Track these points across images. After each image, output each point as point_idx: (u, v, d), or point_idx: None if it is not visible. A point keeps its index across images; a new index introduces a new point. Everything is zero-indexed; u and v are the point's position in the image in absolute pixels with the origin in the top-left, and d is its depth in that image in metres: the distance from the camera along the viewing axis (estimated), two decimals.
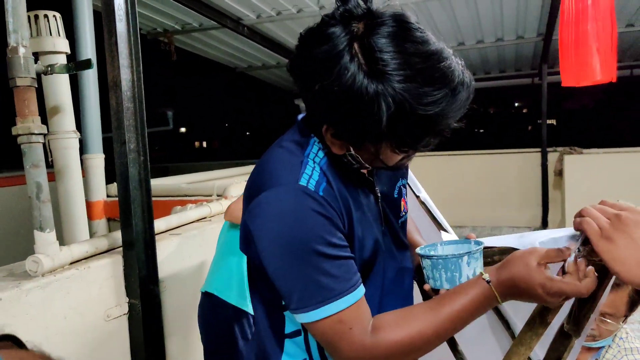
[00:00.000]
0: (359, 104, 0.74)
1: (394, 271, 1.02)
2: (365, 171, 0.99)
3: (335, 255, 0.83)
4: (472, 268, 0.98)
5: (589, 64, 2.28)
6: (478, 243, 1.05)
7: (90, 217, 3.18)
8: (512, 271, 0.85)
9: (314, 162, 0.89)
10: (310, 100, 0.84)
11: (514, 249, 1.21)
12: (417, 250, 1.06)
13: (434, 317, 0.85)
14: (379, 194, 1.02)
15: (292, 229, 0.81)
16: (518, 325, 1.61)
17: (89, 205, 3.18)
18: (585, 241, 0.91)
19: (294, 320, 0.91)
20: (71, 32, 3.15)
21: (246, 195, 0.91)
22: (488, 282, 0.86)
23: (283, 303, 0.92)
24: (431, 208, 1.77)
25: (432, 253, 1.07)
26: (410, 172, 1.81)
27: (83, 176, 2.96)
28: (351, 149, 0.87)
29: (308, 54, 0.78)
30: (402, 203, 1.11)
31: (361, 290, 0.85)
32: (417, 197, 1.78)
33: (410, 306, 0.95)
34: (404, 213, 1.11)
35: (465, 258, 0.97)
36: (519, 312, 1.60)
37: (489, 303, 0.87)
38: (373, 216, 0.98)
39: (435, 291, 1.02)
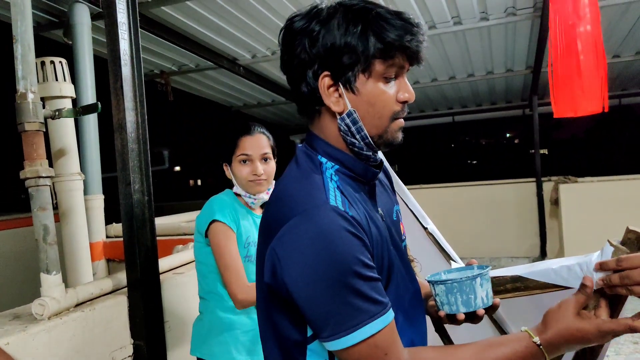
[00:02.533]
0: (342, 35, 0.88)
1: (410, 294, 1.00)
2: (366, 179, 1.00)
3: (369, 276, 0.82)
4: (485, 289, 0.99)
5: (581, 95, 2.35)
6: (482, 267, 1.07)
7: (90, 258, 3.17)
8: (559, 328, 0.87)
9: (331, 179, 0.90)
10: (304, 68, 0.91)
11: (524, 278, 1.23)
12: (427, 277, 1.07)
13: (476, 355, 0.85)
14: (382, 213, 1.03)
15: (329, 252, 0.80)
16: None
17: (89, 246, 3.18)
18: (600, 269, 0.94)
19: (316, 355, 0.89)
20: (72, 77, 3.22)
21: (267, 226, 0.89)
22: (539, 345, 0.86)
23: (308, 334, 0.89)
24: (439, 239, 1.78)
25: (444, 278, 1.08)
26: (417, 204, 1.84)
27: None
28: (349, 106, 0.90)
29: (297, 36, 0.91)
30: (401, 227, 1.12)
31: (392, 312, 0.84)
32: (425, 228, 1.80)
33: (452, 345, 0.93)
34: (404, 237, 1.12)
35: (479, 280, 0.98)
36: (517, 322, 1.60)
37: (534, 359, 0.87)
38: (384, 236, 0.96)
39: (451, 317, 1.02)
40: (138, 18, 1.88)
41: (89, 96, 3.32)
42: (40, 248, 1.53)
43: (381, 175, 1.13)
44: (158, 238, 3.24)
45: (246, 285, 1.54)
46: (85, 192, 3.21)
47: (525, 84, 6.92)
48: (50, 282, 1.53)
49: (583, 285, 0.91)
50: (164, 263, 2.17)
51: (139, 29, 1.90)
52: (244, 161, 1.67)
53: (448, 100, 7.89)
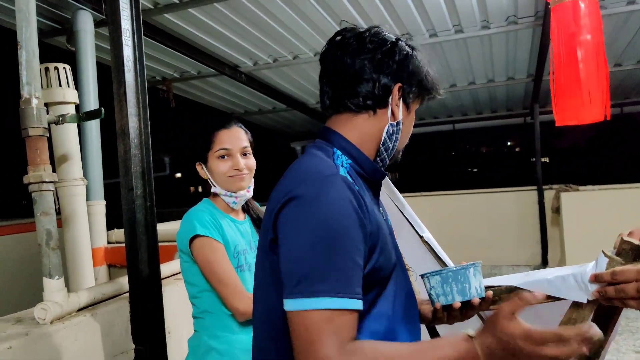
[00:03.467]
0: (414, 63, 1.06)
1: (405, 291, 1.03)
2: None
3: (354, 259, 0.84)
4: (478, 280, 1.04)
5: (582, 104, 2.35)
6: (472, 264, 1.10)
7: (92, 263, 3.17)
8: (494, 332, 0.83)
9: (342, 165, 0.97)
10: (385, 73, 1.03)
11: (520, 288, 1.22)
12: (420, 273, 1.10)
13: (413, 355, 0.82)
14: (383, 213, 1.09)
15: (328, 214, 0.84)
16: None
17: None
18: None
19: None
20: (75, 83, 3.24)
21: (277, 193, 0.93)
22: (472, 337, 0.84)
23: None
24: (435, 247, 1.78)
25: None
26: (412, 212, 1.84)
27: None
28: (400, 118, 1.05)
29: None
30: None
31: (361, 305, 0.84)
32: (421, 237, 1.80)
33: (394, 342, 0.93)
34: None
35: (472, 269, 1.04)
36: None
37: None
38: (387, 232, 1.01)
39: (447, 309, 1.06)
40: (142, 25, 1.89)
41: (92, 102, 3.34)
42: (43, 252, 1.54)
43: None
44: (159, 244, 3.25)
45: (246, 297, 1.46)
46: (87, 198, 3.21)
47: (527, 92, 6.94)
48: (53, 286, 1.54)
49: (528, 295, 0.84)
50: (165, 269, 2.17)
51: (143, 36, 1.91)
52: (223, 156, 1.57)
53: (448, 108, 7.91)
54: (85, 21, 3.46)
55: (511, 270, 6.88)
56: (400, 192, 1.87)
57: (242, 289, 1.47)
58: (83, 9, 3.51)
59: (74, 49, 3.54)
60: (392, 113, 1.04)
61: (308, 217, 0.85)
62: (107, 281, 1.87)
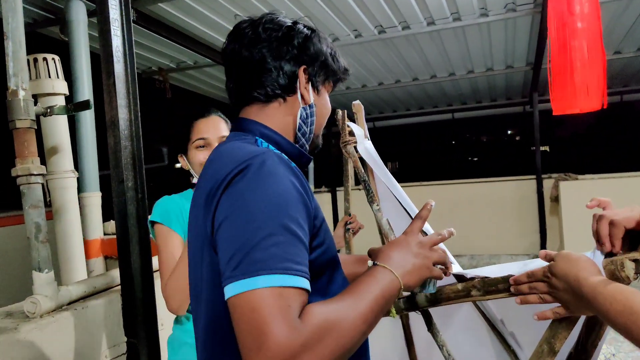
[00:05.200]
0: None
1: (342, 277, 1.04)
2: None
3: (298, 236, 0.81)
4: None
5: (579, 92, 2.33)
6: None
7: (87, 255, 3.15)
8: (391, 244, 0.99)
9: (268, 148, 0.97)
10: (286, 59, 1.02)
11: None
12: None
13: (355, 300, 0.84)
14: None
15: (271, 191, 0.81)
16: (525, 351, 1.60)
17: (86, 243, 3.16)
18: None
19: None
20: (69, 74, 3.21)
21: (209, 189, 0.88)
22: (375, 263, 0.94)
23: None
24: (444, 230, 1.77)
25: None
26: (410, 202, 1.83)
27: (80, 214, 2.97)
28: (312, 100, 1.04)
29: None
30: None
31: (308, 285, 0.80)
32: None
33: (333, 299, 0.88)
34: None
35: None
36: (525, 335, 1.59)
37: (388, 279, 0.90)
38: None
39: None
40: (131, 15, 1.86)
41: (86, 93, 3.31)
42: (32, 246, 1.52)
43: None
44: None
45: (178, 286, 1.37)
46: (83, 190, 3.21)
47: (526, 81, 6.89)
48: (42, 280, 1.53)
49: (419, 215, 1.05)
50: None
51: (137, 26, 1.89)
52: (203, 146, 1.56)
53: (447, 97, 7.86)
54: (78, 11, 3.42)
55: (510, 259, 6.89)
56: (400, 182, 1.87)
57: (179, 284, 1.39)
58: None
59: (67, 39, 3.51)
60: (302, 97, 1.04)
61: (247, 194, 0.81)
62: (99, 274, 1.85)
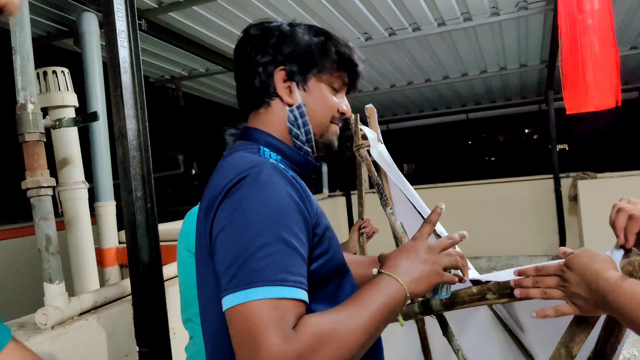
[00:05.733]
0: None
1: (351, 284, 1.02)
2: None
3: (295, 247, 0.80)
4: None
5: (591, 90, 2.29)
6: None
7: (102, 264, 3.19)
8: (399, 250, 0.97)
9: (271, 157, 0.96)
10: (262, 64, 1.01)
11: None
12: None
13: (355, 316, 0.82)
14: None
15: (266, 203, 0.81)
16: (542, 356, 1.57)
17: (101, 252, 3.20)
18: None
19: None
20: (82, 85, 3.26)
21: (210, 191, 0.90)
22: (380, 272, 0.92)
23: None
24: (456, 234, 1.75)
25: None
26: (423, 204, 1.81)
27: (95, 224, 3.00)
28: (299, 100, 1.01)
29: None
30: None
31: (305, 296, 0.79)
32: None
33: (330, 310, 0.87)
34: None
35: None
36: (540, 341, 1.56)
37: (393, 288, 0.88)
38: (332, 229, 1.00)
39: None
40: (137, 26, 1.88)
41: (99, 103, 3.34)
42: (43, 258, 1.54)
43: None
44: (170, 243, 3.26)
45: None
46: (97, 199, 3.24)
47: (541, 79, 6.80)
48: (53, 291, 1.54)
49: (428, 219, 1.03)
50: (172, 269, 2.17)
51: (149, 36, 1.90)
52: None
53: (461, 98, 7.79)
54: (90, 23, 3.47)
55: (529, 260, 6.79)
56: (417, 183, 1.86)
57: None
58: (88, 10, 3.51)
59: (80, 51, 3.55)
60: (282, 99, 1.01)
61: (242, 205, 0.81)
62: (111, 284, 1.87)
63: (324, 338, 0.75)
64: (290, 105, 1.01)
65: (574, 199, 6.43)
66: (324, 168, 7.44)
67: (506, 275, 1.20)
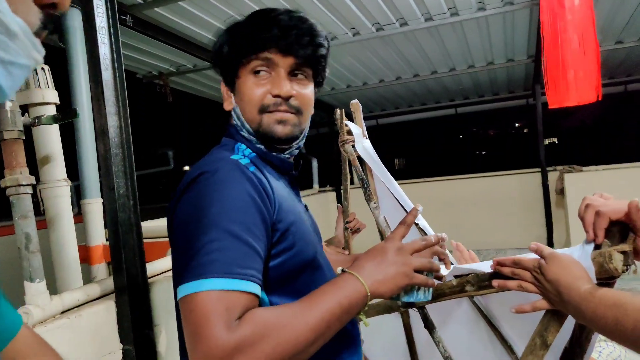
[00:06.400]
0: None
1: (326, 279, 1.02)
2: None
3: (247, 240, 0.81)
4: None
5: (572, 85, 2.31)
6: None
7: (90, 261, 3.17)
8: (368, 252, 0.96)
9: (243, 154, 0.98)
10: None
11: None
12: None
13: (303, 312, 0.82)
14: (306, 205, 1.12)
15: (220, 197, 0.83)
16: (520, 346, 1.59)
17: (88, 250, 3.18)
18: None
19: None
20: (67, 81, 3.23)
21: (172, 200, 0.94)
22: (344, 270, 0.92)
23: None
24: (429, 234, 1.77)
25: None
26: (408, 200, 1.82)
27: (81, 221, 2.98)
28: (233, 104, 1.04)
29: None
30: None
31: (256, 289, 0.80)
32: (417, 224, 1.79)
33: (282, 305, 0.89)
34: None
35: None
36: (517, 331, 1.58)
37: (352, 287, 0.88)
38: (308, 225, 1.00)
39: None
40: (118, 22, 1.86)
41: (84, 100, 3.31)
42: (23, 256, 1.53)
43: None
44: (156, 240, 3.25)
45: None
46: (84, 197, 3.22)
47: (528, 74, 6.84)
48: (34, 290, 1.53)
49: (403, 220, 1.02)
50: (158, 265, 2.16)
51: (135, 32, 1.89)
52: None
53: (449, 92, 7.82)
54: (74, 18, 3.42)
55: (516, 253, 6.80)
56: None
57: None
58: (72, 5, 3.47)
59: (65, 47, 3.51)
60: (225, 106, 1.07)
61: (198, 201, 0.84)
62: (94, 281, 1.86)
63: (265, 332, 0.75)
64: (228, 110, 1.07)
65: (561, 192, 6.48)
66: (314, 163, 7.43)
67: (486, 266, 1.22)
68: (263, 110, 0.99)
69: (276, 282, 0.89)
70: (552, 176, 6.67)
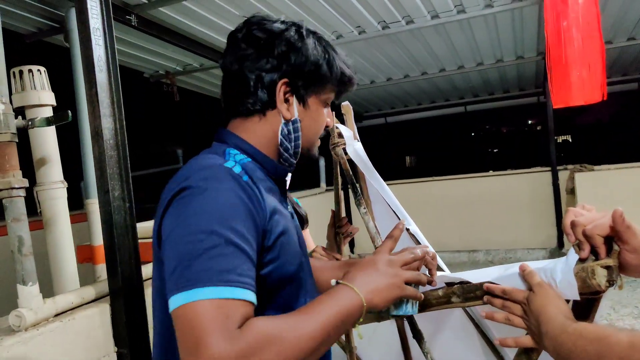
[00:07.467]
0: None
1: (308, 298, 1.00)
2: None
3: (241, 247, 0.80)
4: None
5: (575, 84, 2.26)
6: None
7: (94, 261, 3.18)
8: (359, 264, 0.97)
9: (235, 160, 0.93)
10: (267, 70, 0.96)
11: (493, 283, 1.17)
12: None
13: (302, 323, 0.81)
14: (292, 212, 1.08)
15: (212, 205, 0.80)
16: (510, 355, 1.56)
17: (92, 249, 3.19)
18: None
19: None
20: (70, 81, 3.24)
21: (161, 204, 0.89)
22: (338, 282, 0.92)
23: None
24: (421, 241, 1.74)
25: None
26: (399, 205, 1.79)
27: (85, 220, 2.98)
28: (296, 115, 0.98)
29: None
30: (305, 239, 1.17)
31: (252, 296, 0.79)
32: (407, 229, 1.76)
33: (281, 315, 0.87)
34: (307, 250, 1.16)
35: None
36: (500, 328, 1.55)
37: (348, 298, 0.88)
38: (295, 237, 0.99)
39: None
40: (113, 23, 1.85)
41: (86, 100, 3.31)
42: (16, 259, 1.53)
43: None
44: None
45: None
46: (87, 196, 3.22)
47: (538, 71, 6.76)
48: (27, 293, 1.53)
49: (390, 234, 1.04)
50: None
51: (140, 32, 1.88)
52: None
53: (458, 90, 7.75)
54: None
55: (526, 253, 6.77)
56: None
57: None
58: (75, 6, 3.48)
59: (69, 47, 3.53)
60: (281, 113, 0.97)
61: (190, 208, 0.81)
62: (90, 284, 1.86)
63: (267, 341, 0.74)
64: (286, 119, 0.98)
65: (572, 191, 6.39)
66: (321, 162, 7.40)
67: (472, 276, 1.19)
68: (320, 136, 1.08)
69: (262, 292, 0.88)
70: (563, 175, 6.58)
